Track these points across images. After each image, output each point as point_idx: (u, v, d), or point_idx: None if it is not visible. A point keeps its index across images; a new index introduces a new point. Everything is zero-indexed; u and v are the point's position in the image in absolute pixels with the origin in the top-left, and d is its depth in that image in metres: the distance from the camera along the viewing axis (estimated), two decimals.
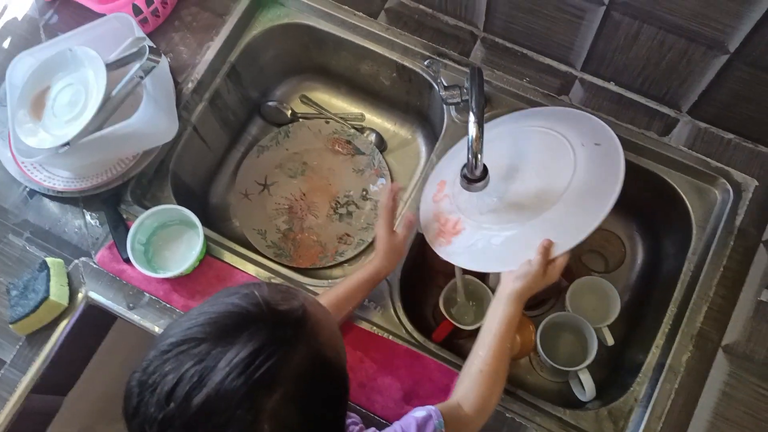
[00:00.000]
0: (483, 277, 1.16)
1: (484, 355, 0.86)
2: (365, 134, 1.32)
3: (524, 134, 1.01)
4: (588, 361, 1.07)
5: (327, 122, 1.33)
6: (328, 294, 0.96)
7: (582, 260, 1.17)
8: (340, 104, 1.37)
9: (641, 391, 0.98)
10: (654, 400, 0.96)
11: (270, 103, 1.36)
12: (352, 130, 1.32)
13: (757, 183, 1.05)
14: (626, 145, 1.08)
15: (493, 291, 1.17)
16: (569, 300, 1.15)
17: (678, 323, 1.00)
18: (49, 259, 1.03)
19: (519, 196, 0.93)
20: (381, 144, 1.32)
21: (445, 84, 1.13)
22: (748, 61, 0.93)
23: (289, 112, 1.35)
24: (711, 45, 0.94)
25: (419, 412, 0.79)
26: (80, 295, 1.05)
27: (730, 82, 0.98)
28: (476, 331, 1.10)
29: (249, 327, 0.55)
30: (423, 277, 1.22)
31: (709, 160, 1.07)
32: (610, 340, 1.12)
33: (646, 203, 1.16)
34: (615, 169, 0.89)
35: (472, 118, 0.88)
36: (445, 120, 1.14)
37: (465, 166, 0.90)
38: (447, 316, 1.10)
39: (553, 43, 1.10)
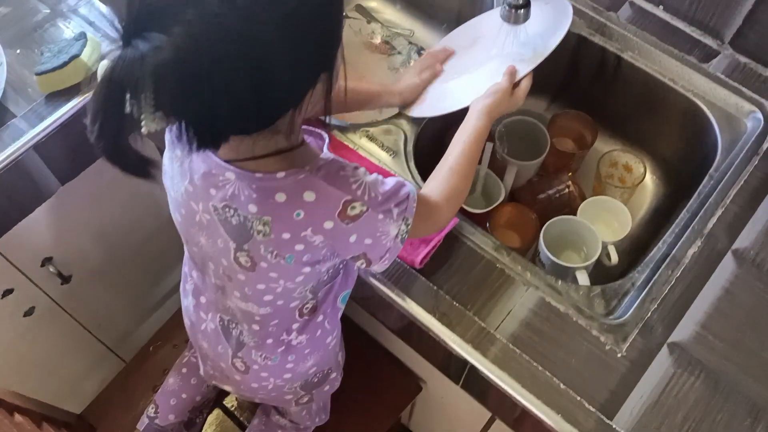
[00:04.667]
0: (501, 175, 1.15)
1: (453, 159, 0.88)
2: (411, 47, 1.36)
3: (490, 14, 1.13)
4: (589, 262, 1.03)
5: (369, 22, 1.37)
6: None
7: (603, 176, 1.15)
8: (393, 19, 1.42)
9: (640, 278, 0.94)
10: (652, 283, 0.92)
11: None
12: (392, 32, 1.36)
13: None
14: (664, 67, 1.10)
15: (508, 189, 1.16)
16: (581, 215, 1.12)
17: (689, 224, 0.97)
18: (89, 34, 1.06)
19: (482, 44, 1.04)
20: None
21: None
22: None
23: None
24: None
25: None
26: None
27: None
28: (483, 215, 1.09)
29: None
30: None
31: (743, 89, 1.07)
32: (614, 258, 1.09)
33: (675, 129, 1.15)
34: (565, 13, 0.98)
35: None
36: None
37: None
38: None
39: None
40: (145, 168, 0.66)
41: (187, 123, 0.63)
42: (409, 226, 0.76)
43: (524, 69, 0.94)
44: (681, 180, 1.17)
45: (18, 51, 1.09)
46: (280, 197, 0.69)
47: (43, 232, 1.21)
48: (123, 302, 1.56)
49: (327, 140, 0.86)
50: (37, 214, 1.14)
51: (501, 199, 1.12)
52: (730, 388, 0.84)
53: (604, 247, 1.08)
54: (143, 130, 0.62)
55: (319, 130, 0.87)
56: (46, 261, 1.26)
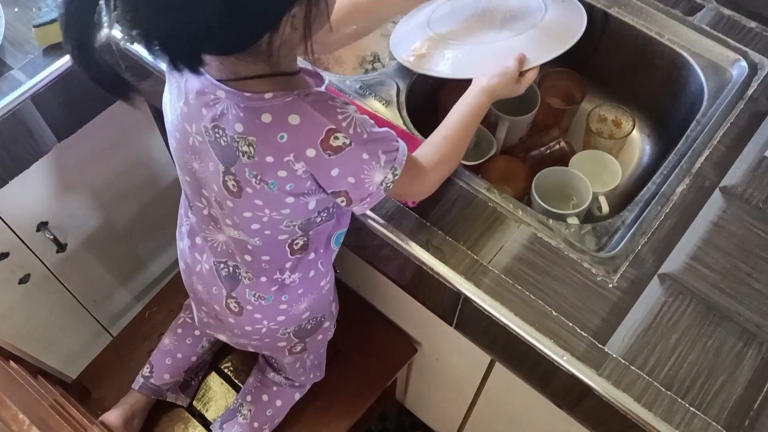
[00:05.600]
0: (493, 131, 1.16)
1: (448, 128, 0.88)
2: None
3: None
4: (581, 209, 1.04)
5: None
6: None
7: (593, 130, 1.17)
8: None
9: (630, 216, 0.95)
10: (641, 219, 0.93)
11: None
12: None
13: None
14: (651, 21, 1.13)
15: (500, 144, 1.17)
16: (572, 167, 1.14)
17: (677, 165, 0.98)
18: None
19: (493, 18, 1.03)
20: None
21: None
22: None
23: None
24: None
25: None
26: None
27: None
28: (475, 168, 1.11)
29: None
30: (433, 118, 1.22)
31: (729, 39, 1.09)
32: (605, 209, 1.10)
33: (662, 81, 1.17)
34: (579, 16, 1.01)
35: None
36: None
37: None
38: None
39: None
40: (120, 87, 0.68)
41: (161, 40, 0.64)
42: (397, 177, 0.77)
43: (535, 60, 0.94)
44: (669, 133, 1.19)
45: (16, 9, 1.11)
46: (266, 118, 0.70)
47: (39, 194, 1.22)
48: (118, 278, 1.57)
49: (326, 82, 0.87)
50: (33, 172, 1.15)
51: (492, 152, 1.13)
52: (721, 314, 0.85)
53: (595, 198, 1.10)
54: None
55: (318, 71, 0.88)
56: (42, 225, 1.27)
